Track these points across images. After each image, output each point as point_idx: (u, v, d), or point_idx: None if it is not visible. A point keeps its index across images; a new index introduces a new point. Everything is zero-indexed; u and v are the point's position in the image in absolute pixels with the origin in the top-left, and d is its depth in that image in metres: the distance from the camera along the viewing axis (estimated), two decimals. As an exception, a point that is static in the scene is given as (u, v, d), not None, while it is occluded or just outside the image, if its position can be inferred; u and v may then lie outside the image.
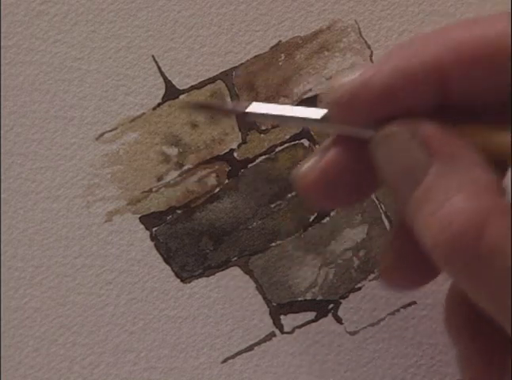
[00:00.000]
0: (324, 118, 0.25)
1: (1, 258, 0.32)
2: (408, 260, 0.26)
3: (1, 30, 0.34)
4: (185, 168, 0.33)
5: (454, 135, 0.22)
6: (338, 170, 0.25)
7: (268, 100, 0.34)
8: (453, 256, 0.21)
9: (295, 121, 0.27)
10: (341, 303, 0.32)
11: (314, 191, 0.26)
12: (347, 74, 0.24)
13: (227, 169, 0.33)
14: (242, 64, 0.34)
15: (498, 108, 0.23)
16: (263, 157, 0.33)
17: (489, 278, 0.21)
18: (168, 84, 0.33)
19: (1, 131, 0.33)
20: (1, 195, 0.33)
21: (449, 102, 0.23)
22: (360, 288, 0.33)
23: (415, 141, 0.23)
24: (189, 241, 0.33)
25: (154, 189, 0.33)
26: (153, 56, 0.34)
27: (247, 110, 0.29)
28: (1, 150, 0.33)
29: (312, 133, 0.33)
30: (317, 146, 0.30)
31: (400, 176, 0.23)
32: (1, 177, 0.33)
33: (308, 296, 0.32)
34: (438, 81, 0.22)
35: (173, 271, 0.32)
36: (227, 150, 0.33)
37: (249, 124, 0.33)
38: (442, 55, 0.22)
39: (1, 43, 0.33)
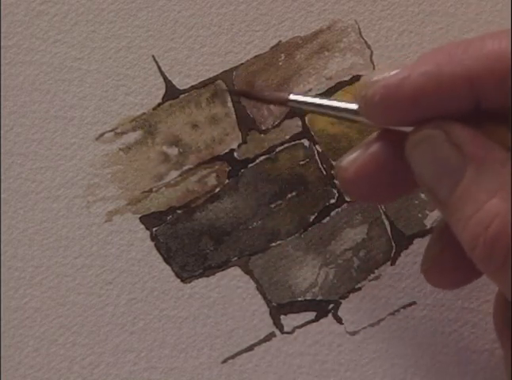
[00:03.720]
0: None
1: (1, 258, 0.32)
2: (449, 260, 0.26)
3: (1, 30, 0.34)
4: (186, 168, 0.33)
5: (487, 138, 0.23)
6: (379, 166, 0.25)
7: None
8: (491, 257, 0.22)
9: (334, 111, 0.27)
10: (341, 303, 0.32)
11: (354, 185, 0.26)
12: (377, 72, 0.24)
13: (227, 169, 0.33)
14: (242, 64, 0.34)
15: None
16: (263, 157, 0.33)
17: None
18: (168, 84, 0.33)
19: (1, 131, 0.33)
20: (1, 195, 0.33)
21: (484, 107, 0.23)
22: (360, 288, 0.32)
23: (449, 144, 0.23)
24: (189, 241, 0.33)
25: (154, 189, 0.33)
26: (153, 56, 0.34)
27: (290, 97, 0.29)
28: (1, 150, 0.33)
29: (312, 133, 0.33)
30: (317, 146, 0.30)
31: (435, 179, 0.23)
32: (1, 177, 0.33)
33: (308, 296, 0.32)
34: (469, 89, 0.22)
35: (174, 271, 0.32)
36: (227, 150, 0.33)
37: (249, 124, 0.33)
38: (474, 66, 0.22)
39: (1, 43, 0.33)
